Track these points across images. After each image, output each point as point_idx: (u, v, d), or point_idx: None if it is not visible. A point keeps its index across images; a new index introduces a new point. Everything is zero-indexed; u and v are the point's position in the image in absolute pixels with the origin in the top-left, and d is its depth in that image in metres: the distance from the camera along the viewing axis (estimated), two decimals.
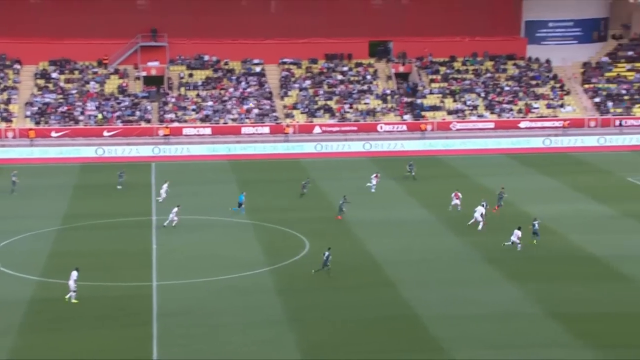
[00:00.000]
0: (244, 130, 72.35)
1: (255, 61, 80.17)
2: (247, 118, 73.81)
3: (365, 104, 76.88)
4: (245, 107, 74.89)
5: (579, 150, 67.01)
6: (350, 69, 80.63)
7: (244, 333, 30.61)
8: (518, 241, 39.25)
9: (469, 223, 42.89)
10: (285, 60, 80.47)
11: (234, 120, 73.60)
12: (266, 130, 72.55)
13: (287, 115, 74.71)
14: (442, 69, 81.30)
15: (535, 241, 40.28)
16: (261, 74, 79.25)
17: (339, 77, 79.75)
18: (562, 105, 76.73)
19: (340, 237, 42.73)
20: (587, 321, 30.93)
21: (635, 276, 35.49)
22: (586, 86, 79.51)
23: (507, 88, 79.20)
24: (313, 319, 31.73)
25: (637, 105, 76.25)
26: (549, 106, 76.82)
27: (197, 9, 79.10)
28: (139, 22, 77.43)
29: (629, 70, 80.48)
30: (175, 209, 44.17)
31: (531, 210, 47.20)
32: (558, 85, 79.43)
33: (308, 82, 78.71)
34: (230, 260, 38.85)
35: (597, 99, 77.42)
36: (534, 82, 79.92)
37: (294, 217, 46.27)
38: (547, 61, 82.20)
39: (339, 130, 73.65)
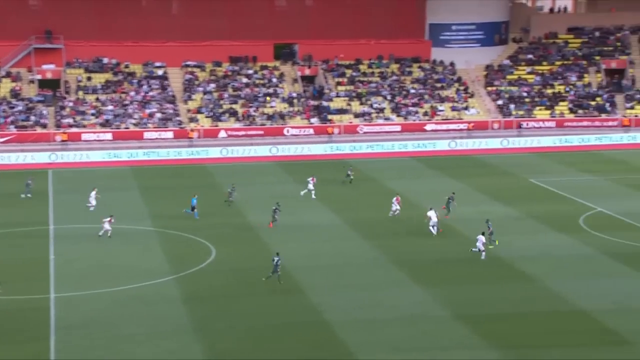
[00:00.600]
0: (147, 135, 71.19)
1: (157, 64, 79.06)
2: (149, 123, 72.64)
3: (271, 107, 76.90)
4: (147, 111, 73.71)
5: (483, 153, 68.89)
6: (256, 72, 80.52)
7: (148, 344, 30.08)
8: (483, 248, 38.84)
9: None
10: (188, 63, 79.66)
11: (135, 125, 72.31)
12: (170, 135, 71.61)
13: (191, 120, 73.94)
14: (348, 72, 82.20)
15: (497, 241, 40.65)
16: (163, 77, 78.18)
17: (244, 80, 79.52)
18: (466, 108, 78.76)
19: (248, 243, 42.56)
20: (492, 322, 31.79)
21: (538, 276, 36.72)
22: (489, 89, 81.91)
23: (412, 91, 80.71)
24: (220, 328, 31.49)
25: (538, 108, 79.04)
26: (453, 109, 78.72)
27: (94, 10, 77.43)
28: (32, 23, 75.17)
29: (529, 73, 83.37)
30: (108, 219, 42.87)
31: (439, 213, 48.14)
32: (462, 87, 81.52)
33: (212, 85, 78.14)
34: (133, 270, 38.12)
35: (499, 102, 79.84)
36: (439, 85, 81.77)
37: (199, 224, 45.78)
38: (451, 64, 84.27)
39: (245, 134, 73.41)
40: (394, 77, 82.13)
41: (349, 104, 78.54)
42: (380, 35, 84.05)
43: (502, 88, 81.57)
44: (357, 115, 77.40)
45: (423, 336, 30.62)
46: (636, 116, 76.78)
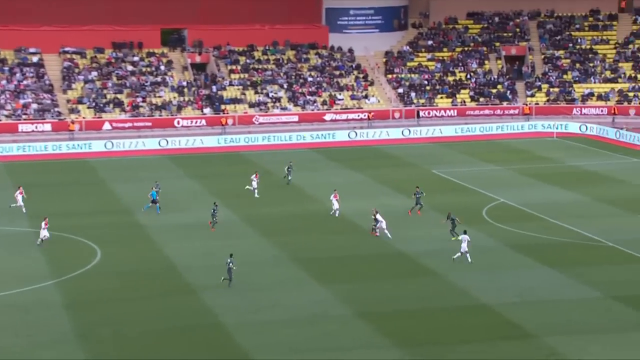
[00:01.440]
0: (22, 127, 68.93)
1: (32, 50, 76.50)
2: (24, 114, 70.22)
3: (159, 97, 75.66)
4: (21, 101, 71.23)
5: (384, 143, 69.90)
6: (142, 59, 79.05)
7: (26, 355, 29.09)
8: (467, 249, 37.60)
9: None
10: (66, 49, 77.42)
11: (8, 116, 69.80)
12: (48, 127, 69.54)
13: (72, 111, 71.93)
14: (242, 59, 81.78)
15: (458, 237, 40.71)
16: (39, 65, 75.73)
17: (130, 67, 77.95)
18: (366, 97, 79.70)
19: (136, 242, 41.75)
20: (396, 319, 32.26)
21: (441, 270, 37.49)
22: (389, 76, 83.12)
23: (310, 79, 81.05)
24: (105, 334, 30.76)
25: (439, 96, 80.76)
26: (353, 97, 79.51)
27: None
28: None
29: (429, 60, 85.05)
30: (44, 223, 40.87)
31: (338, 206, 48.55)
32: (362, 75, 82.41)
33: (94, 73, 76.24)
34: (9, 275, 36.80)
35: (400, 90, 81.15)
36: (337, 73, 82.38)
37: (82, 223, 44.62)
38: (350, 50, 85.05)
39: (132, 126, 72.03)
40: (290, 65, 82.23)
41: (243, 93, 78.15)
42: (275, 20, 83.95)
43: (403, 76, 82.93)
44: (252, 105, 77.12)
45: (324, 337, 30.77)
46: (537, 104, 79.52)
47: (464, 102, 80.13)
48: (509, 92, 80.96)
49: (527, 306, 33.13)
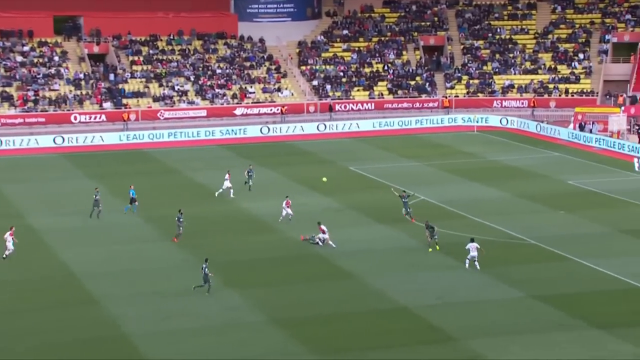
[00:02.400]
0: None
1: None
2: None
3: (54, 90, 74.16)
4: None
5: (299, 139, 70.20)
6: (33, 49, 77.38)
7: None
8: (475, 253, 37.24)
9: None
10: None
11: None
12: None
13: None
14: (144, 49, 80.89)
15: (437, 247, 40.70)
16: None
17: (19, 58, 76.22)
18: (279, 89, 79.90)
19: (29, 248, 40.88)
20: (312, 325, 32.51)
21: (358, 272, 37.93)
22: (303, 68, 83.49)
23: (219, 71, 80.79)
24: None
25: (356, 89, 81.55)
26: (265, 90, 79.59)
27: None
28: None
29: (345, 51, 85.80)
30: (9, 232, 39.19)
31: (250, 207, 48.58)
32: (274, 67, 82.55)
33: None
34: None
35: (315, 82, 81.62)
36: (248, 64, 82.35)
37: None
38: (261, 40, 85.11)
39: (23, 122, 70.48)
40: (197, 56, 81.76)
41: (146, 87, 77.30)
42: (179, 8, 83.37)
43: (317, 67, 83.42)
44: (156, 99, 76.37)
45: (236, 345, 30.79)
46: (456, 96, 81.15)
47: (382, 94, 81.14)
48: (427, 84, 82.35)
49: (448, 308, 33.83)
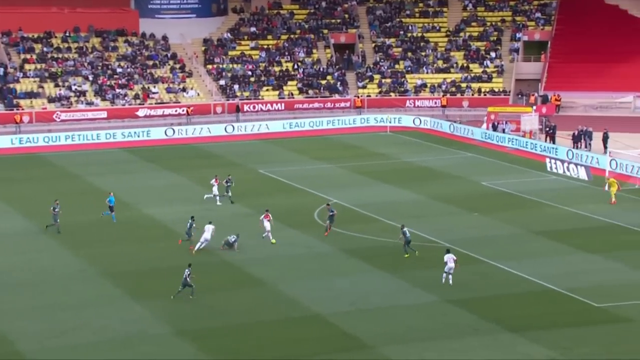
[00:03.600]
0: None
1: None
2: None
3: None
4: None
5: (206, 141, 69.80)
6: None
7: None
8: (452, 270, 36.63)
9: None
10: None
11: None
12: None
13: None
14: (38, 47, 79.25)
15: (416, 252, 40.38)
16: None
17: None
18: (184, 90, 79.33)
19: None
20: (221, 336, 32.35)
21: (269, 279, 37.92)
22: (209, 67, 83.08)
23: (119, 70, 79.73)
24: None
25: (264, 88, 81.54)
26: (169, 90, 78.92)
27: None
28: None
29: (253, 49, 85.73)
30: None
31: (154, 213, 48.06)
32: (178, 66, 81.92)
33: None
34: None
35: (222, 82, 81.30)
36: (150, 63, 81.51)
37: None
38: (164, 38, 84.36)
39: None
40: (96, 54, 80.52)
41: (40, 86, 75.72)
42: (75, 3, 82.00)
43: (224, 66, 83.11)
44: (51, 100, 74.87)
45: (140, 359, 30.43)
46: (368, 96, 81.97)
47: (292, 94, 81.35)
48: (339, 83, 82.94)
49: (362, 315, 34.11)
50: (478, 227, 45.11)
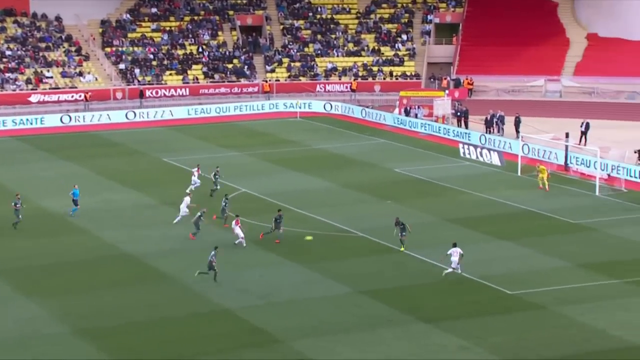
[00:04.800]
0: None
1: None
2: None
3: None
4: None
5: (105, 128, 68.75)
6: None
7: None
8: (458, 264, 36.35)
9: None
10: None
11: None
12: None
13: None
14: None
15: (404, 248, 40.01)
16: None
17: None
18: (81, 74, 77.88)
19: None
20: (123, 334, 31.89)
21: (173, 274, 37.53)
22: (107, 50, 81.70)
23: (9, 52, 77.97)
24: None
25: (168, 72, 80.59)
26: (64, 75, 77.37)
27: None
28: None
29: (154, 31, 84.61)
30: None
31: (49, 205, 47.08)
32: (74, 48, 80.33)
33: None
34: None
35: (122, 66, 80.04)
36: (43, 45, 79.76)
37: None
38: (57, 18, 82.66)
39: None
40: None
41: None
42: None
43: (124, 49, 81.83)
44: None
45: None
46: (277, 80, 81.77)
47: (197, 79, 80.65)
48: (246, 67, 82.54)
49: (272, 308, 34.05)
50: (391, 216, 45.43)
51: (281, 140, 65.29)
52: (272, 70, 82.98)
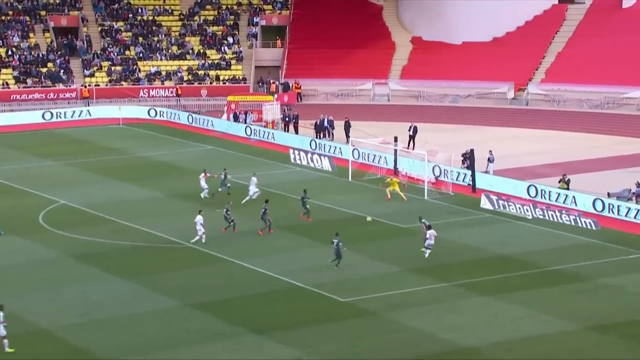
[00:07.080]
0: None
1: None
2: None
3: None
4: None
5: None
6: None
7: None
8: (432, 245, 40.59)
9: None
10: None
11: None
12: None
13: None
14: None
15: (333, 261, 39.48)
16: None
17: None
18: None
19: None
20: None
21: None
22: None
23: None
24: None
25: None
26: None
27: None
28: None
29: None
30: None
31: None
32: None
33: None
34: None
35: None
36: None
37: None
38: None
39: None
40: None
41: None
42: None
43: None
44: None
45: None
46: (97, 85, 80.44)
47: (7, 84, 78.38)
48: (62, 71, 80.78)
49: (95, 326, 33.52)
50: (220, 225, 45.52)
51: (102, 148, 64.32)
52: (92, 75, 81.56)
